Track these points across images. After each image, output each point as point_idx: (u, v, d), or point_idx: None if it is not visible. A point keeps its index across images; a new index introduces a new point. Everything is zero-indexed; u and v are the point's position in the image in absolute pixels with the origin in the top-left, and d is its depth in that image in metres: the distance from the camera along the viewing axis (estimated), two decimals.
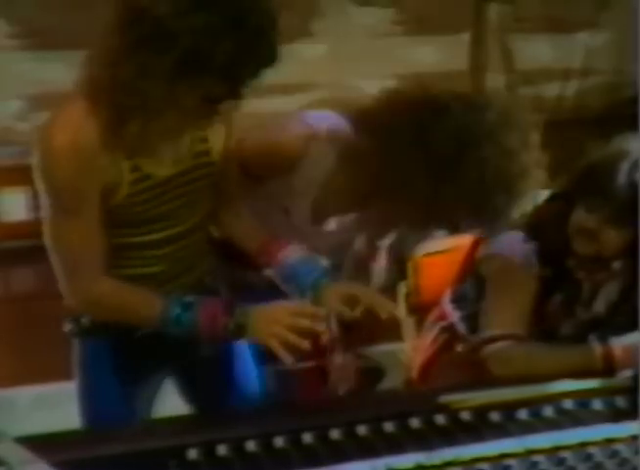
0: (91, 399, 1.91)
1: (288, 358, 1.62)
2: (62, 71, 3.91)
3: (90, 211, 1.61)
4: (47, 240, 1.66)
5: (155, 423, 1.86)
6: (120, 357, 1.84)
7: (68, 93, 1.64)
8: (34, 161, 1.60)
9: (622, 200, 1.87)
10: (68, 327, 1.86)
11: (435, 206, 1.65)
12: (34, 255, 4.14)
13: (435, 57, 4.36)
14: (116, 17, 1.49)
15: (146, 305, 1.69)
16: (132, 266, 1.76)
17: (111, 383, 1.86)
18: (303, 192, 1.89)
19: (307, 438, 1.66)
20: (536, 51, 4.51)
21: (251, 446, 1.63)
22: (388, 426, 1.70)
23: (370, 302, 1.74)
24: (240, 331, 1.67)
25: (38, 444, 1.57)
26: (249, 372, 2.01)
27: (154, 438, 1.67)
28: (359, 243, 2.15)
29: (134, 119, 1.54)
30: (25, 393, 3.09)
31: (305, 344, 1.62)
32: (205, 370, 1.96)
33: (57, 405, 2.96)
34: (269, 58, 1.51)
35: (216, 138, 1.74)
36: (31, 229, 4.13)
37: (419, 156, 1.63)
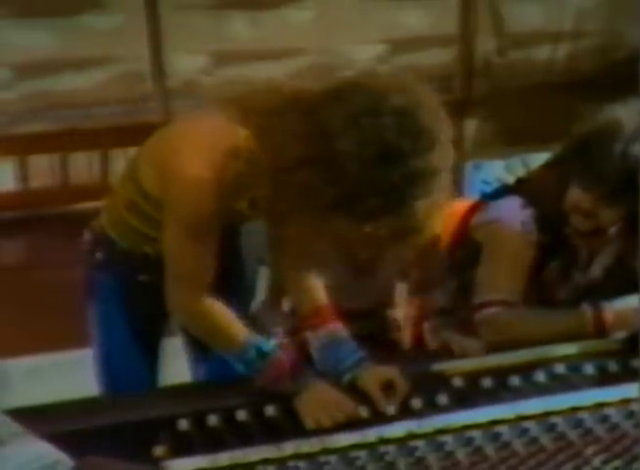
0: (102, 341, 1.99)
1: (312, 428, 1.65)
2: (44, 39, 3.89)
3: (210, 236, 1.70)
4: (165, 251, 1.74)
5: (144, 393, 1.86)
6: (129, 296, 1.94)
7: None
8: (170, 188, 1.67)
9: (618, 178, 1.84)
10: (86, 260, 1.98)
11: None
12: (22, 225, 4.14)
13: (425, 21, 4.33)
14: (304, 125, 1.53)
15: (230, 337, 1.75)
16: None
17: (120, 318, 1.95)
18: None
19: None
20: (527, 13, 4.48)
21: (241, 415, 1.63)
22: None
23: (399, 392, 1.72)
24: (291, 395, 1.71)
25: (30, 416, 1.57)
26: None
27: (143, 409, 1.67)
28: None
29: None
30: (18, 364, 3.09)
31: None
32: None
33: (50, 377, 2.97)
34: (405, 219, 1.54)
35: None
36: (19, 200, 4.15)
37: None
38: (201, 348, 1.96)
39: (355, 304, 2.14)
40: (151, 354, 2.03)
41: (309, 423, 1.64)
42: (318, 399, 1.68)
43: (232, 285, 1.95)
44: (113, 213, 1.90)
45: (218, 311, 1.75)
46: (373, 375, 1.75)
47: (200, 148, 1.65)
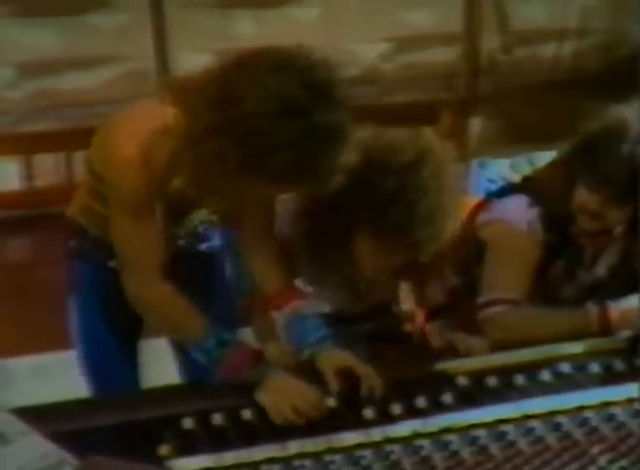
0: (82, 332, 2.02)
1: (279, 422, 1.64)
2: (50, 38, 3.90)
3: (149, 215, 1.72)
4: (112, 235, 1.76)
5: (149, 392, 1.86)
6: (102, 284, 1.95)
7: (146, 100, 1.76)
8: (107, 168, 1.71)
9: (625, 179, 1.83)
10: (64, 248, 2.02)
11: None
12: (27, 224, 4.14)
13: (430, 19, 4.33)
14: (214, 93, 1.55)
15: (189, 326, 1.75)
16: None
17: (95, 306, 1.98)
18: None
19: None
20: (532, 11, 4.48)
21: (246, 414, 1.63)
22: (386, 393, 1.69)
23: (364, 378, 1.73)
24: (253, 385, 1.70)
25: (34, 415, 1.57)
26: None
27: (147, 408, 1.67)
28: None
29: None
30: (22, 363, 3.09)
31: (298, 422, 1.64)
32: None
33: (54, 376, 2.97)
34: (319, 179, 1.56)
35: None
36: (24, 199, 4.15)
37: None
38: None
39: (362, 303, 2.14)
40: (130, 345, 2.04)
41: (273, 415, 1.63)
42: (279, 389, 1.67)
43: (212, 283, 1.99)
44: (80, 201, 1.94)
45: (174, 299, 1.75)
46: (331, 357, 1.76)
47: (132, 129, 1.68)
